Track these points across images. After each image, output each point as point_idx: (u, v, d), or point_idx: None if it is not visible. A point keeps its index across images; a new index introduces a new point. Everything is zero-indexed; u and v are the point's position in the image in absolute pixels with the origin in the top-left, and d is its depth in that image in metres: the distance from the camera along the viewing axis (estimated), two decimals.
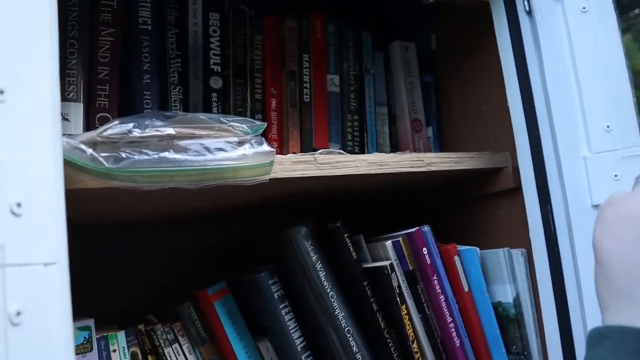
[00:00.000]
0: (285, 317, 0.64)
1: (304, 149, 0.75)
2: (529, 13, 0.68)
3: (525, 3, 0.68)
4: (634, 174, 0.50)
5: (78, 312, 0.38)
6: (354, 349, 0.63)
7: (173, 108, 0.66)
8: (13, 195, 0.33)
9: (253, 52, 0.74)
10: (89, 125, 0.59)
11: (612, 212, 0.44)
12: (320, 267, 0.63)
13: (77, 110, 0.57)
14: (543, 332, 0.68)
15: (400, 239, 0.66)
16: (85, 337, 0.57)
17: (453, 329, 0.67)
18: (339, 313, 0.63)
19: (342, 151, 0.61)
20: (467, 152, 0.70)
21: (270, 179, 0.51)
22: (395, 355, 0.64)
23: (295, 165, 0.55)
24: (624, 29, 0.64)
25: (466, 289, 0.70)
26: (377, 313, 0.65)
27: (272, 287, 0.64)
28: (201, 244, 0.85)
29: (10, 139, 0.34)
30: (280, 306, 0.64)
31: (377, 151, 0.83)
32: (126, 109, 0.62)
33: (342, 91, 0.79)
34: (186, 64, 0.68)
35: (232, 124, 0.49)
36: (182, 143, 0.46)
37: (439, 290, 0.67)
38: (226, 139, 0.48)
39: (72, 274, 0.36)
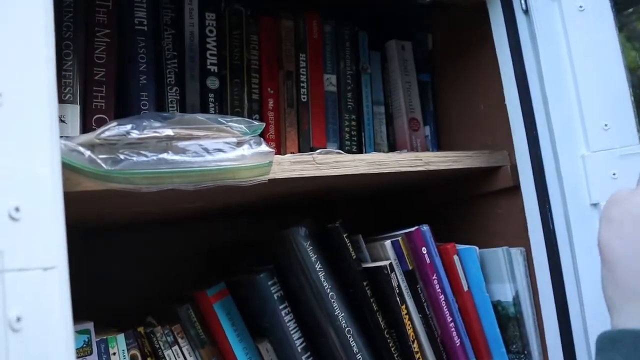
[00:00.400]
0: (284, 317, 0.64)
1: (301, 149, 0.75)
2: (526, 12, 0.68)
3: (522, 2, 0.68)
4: (632, 172, 0.50)
5: (77, 314, 0.38)
6: (354, 349, 0.63)
7: (170, 109, 0.66)
8: (11, 200, 0.33)
9: (250, 52, 0.74)
10: (85, 127, 0.59)
11: (618, 210, 0.43)
12: (319, 268, 0.63)
13: (74, 112, 0.57)
14: (543, 330, 0.68)
15: (399, 238, 0.66)
16: (84, 341, 0.56)
17: (453, 329, 0.67)
18: (338, 313, 0.63)
19: (340, 151, 0.61)
20: (465, 151, 0.70)
21: (269, 179, 0.50)
22: (395, 355, 0.64)
23: (294, 165, 0.55)
24: (618, 28, 0.65)
25: (466, 288, 0.70)
26: (377, 313, 0.65)
27: (272, 288, 0.64)
28: (199, 244, 0.85)
29: (8, 143, 0.34)
30: (280, 307, 0.64)
31: (375, 150, 0.83)
32: (123, 110, 0.62)
33: (339, 91, 0.79)
34: (183, 65, 0.68)
35: (230, 124, 0.49)
36: (181, 144, 0.46)
37: (439, 290, 0.67)
38: (225, 139, 0.48)
39: (69, 276, 0.36)
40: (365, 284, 0.64)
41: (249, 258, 0.76)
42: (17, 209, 0.33)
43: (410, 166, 0.64)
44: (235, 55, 0.72)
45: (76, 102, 0.57)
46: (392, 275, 0.65)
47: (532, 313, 0.70)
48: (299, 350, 0.64)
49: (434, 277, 0.67)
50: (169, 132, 0.45)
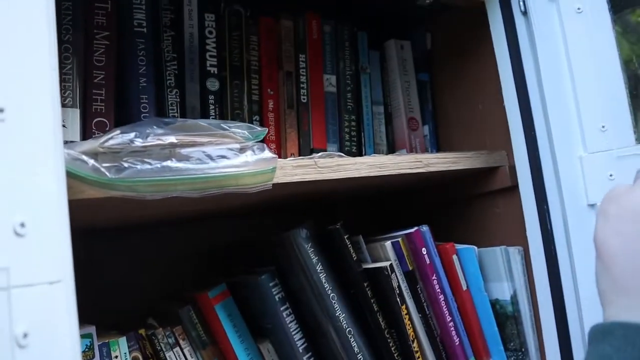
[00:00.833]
0: (286, 318, 0.64)
1: (302, 150, 0.75)
2: (525, 13, 0.68)
3: (521, 3, 0.68)
4: (629, 173, 0.50)
5: (78, 318, 0.37)
6: (355, 349, 0.64)
7: (170, 111, 0.65)
8: (16, 216, 0.33)
9: (249, 53, 0.73)
10: (85, 131, 0.59)
11: (615, 207, 0.43)
12: (320, 269, 0.63)
13: (74, 116, 0.57)
14: (540, 328, 0.69)
15: (399, 239, 0.67)
16: (87, 345, 0.56)
17: (452, 328, 0.68)
18: (339, 314, 0.64)
19: (341, 154, 0.61)
20: (464, 152, 0.70)
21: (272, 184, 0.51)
22: (395, 354, 0.65)
23: (296, 169, 0.55)
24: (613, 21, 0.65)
25: (464, 287, 0.70)
26: (378, 313, 0.65)
27: (273, 289, 0.64)
28: (199, 245, 0.85)
29: (12, 158, 0.33)
30: (281, 308, 0.64)
31: (374, 150, 0.83)
32: (123, 113, 0.62)
33: (339, 91, 0.79)
34: (182, 67, 0.67)
35: (233, 130, 0.49)
36: (184, 151, 0.46)
37: (438, 290, 0.68)
38: (228, 145, 0.48)
39: None
40: (365, 284, 0.65)
41: (249, 259, 0.76)
42: (22, 225, 0.33)
43: (410, 168, 0.64)
44: (235, 56, 0.72)
45: (76, 106, 0.57)
46: (393, 276, 0.65)
47: (529, 311, 0.71)
48: (300, 351, 0.64)
49: (434, 277, 0.68)
50: (172, 139, 0.45)
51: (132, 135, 0.43)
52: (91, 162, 0.42)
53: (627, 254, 0.41)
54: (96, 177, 0.42)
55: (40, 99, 0.35)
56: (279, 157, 0.65)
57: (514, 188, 0.72)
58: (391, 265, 0.66)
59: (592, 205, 0.63)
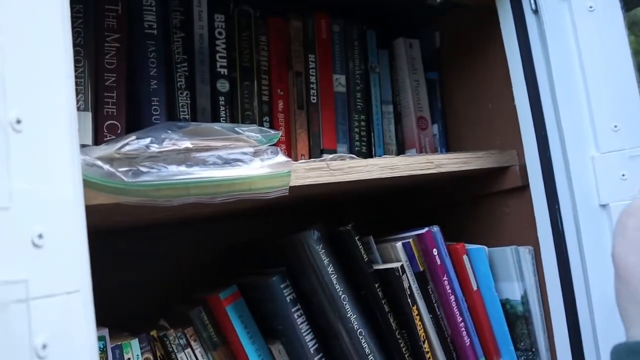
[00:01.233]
0: (297, 320, 0.64)
1: (312, 151, 0.75)
2: (536, 12, 0.68)
3: (532, 2, 0.68)
4: None
5: None
6: (366, 350, 0.64)
7: (181, 113, 0.65)
8: (34, 227, 0.32)
9: (259, 54, 0.73)
10: (97, 134, 0.59)
11: (634, 221, 0.43)
12: (332, 270, 0.63)
13: (86, 120, 0.57)
14: (551, 328, 0.69)
15: (410, 240, 0.67)
16: (100, 347, 0.56)
17: (463, 328, 0.68)
18: (351, 315, 0.64)
19: (353, 155, 0.61)
20: (475, 152, 0.70)
21: None
22: (406, 355, 0.65)
23: (308, 172, 0.55)
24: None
25: (475, 287, 0.70)
26: (389, 314, 0.65)
27: (284, 291, 0.64)
28: (208, 247, 0.85)
29: (29, 169, 0.33)
30: (293, 309, 0.64)
31: (384, 150, 0.83)
32: (134, 116, 0.62)
33: (349, 91, 0.79)
34: (193, 68, 0.67)
35: (246, 133, 0.49)
36: (200, 155, 0.46)
37: (449, 290, 0.68)
38: (242, 149, 0.48)
39: None
40: (376, 285, 0.65)
41: (259, 260, 0.76)
42: (40, 236, 0.33)
43: (422, 169, 0.64)
44: (245, 57, 0.71)
45: (88, 109, 0.57)
46: (404, 276, 0.65)
47: (540, 311, 0.71)
48: (312, 352, 0.64)
49: (445, 277, 0.68)
50: (187, 144, 0.45)
51: (148, 140, 0.43)
52: (106, 167, 0.42)
53: None
54: (111, 182, 0.42)
55: (57, 108, 0.35)
56: (290, 158, 0.65)
57: (524, 188, 0.72)
58: (402, 266, 0.66)
59: (604, 206, 0.63)
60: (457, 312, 0.68)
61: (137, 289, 0.78)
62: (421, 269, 0.67)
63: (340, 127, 0.77)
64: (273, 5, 0.76)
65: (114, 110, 0.60)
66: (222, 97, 0.69)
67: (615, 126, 0.63)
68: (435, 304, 0.68)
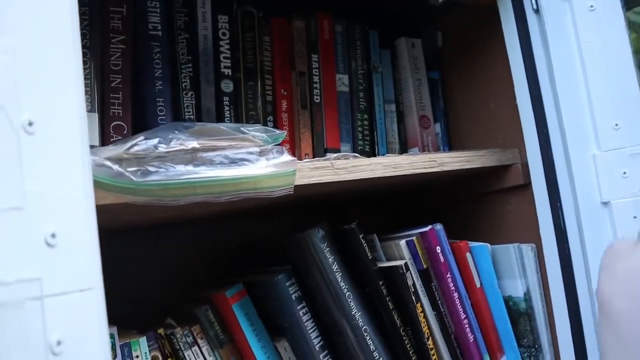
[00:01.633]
0: (302, 317, 0.65)
1: (315, 150, 0.75)
2: (537, 11, 0.69)
3: (533, 1, 0.68)
4: None
5: None
6: (371, 347, 0.65)
7: (186, 114, 0.66)
8: (47, 227, 0.33)
9: (262, 54, 0.74)
10: (103, 135, 0.59)
11: (623, 265, 0.41)
12: (336, 268, 0.64)
13: (93, 121, 0.57)
14: (553, 324, 0.70)
15: (414, 238, 0.68)
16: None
17: (466, 325, 0.69)
18: (355, 312, 0.64)
19: (356, 154, 0.61)
20: (478, 151, 0.70)
21: None
22: (411, 352, 0.66)
23: (313, 171, 0.56)
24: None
25: (478, 284, 0.71)
26: (393, 311, 0.66)
27: (290, 289, 0.65)
28: (213, 245, 0.86)
29: (41, 170, 0.34)
30: (298, 307, 0.65)
31: (387, 149, 0.83)
32: (139, 116, 0.62)
33: (352, 90, 0.79)
34: (197, 69, 0.68)
35: (252, 133, 0.50)
36: (206, 155, 0.46)
37: (453, 288, 0.68)
38: (248, 149, 0.48)
39: None
40: (381, 283, 0.66)
41: (264, 259, 0.77)
42: (53, 235, 0.33)
43: (425, 168, 0.65)
44: (249, 57, 0.72)
45: (95, 111, 0.58)
46: (408, 274, 0.66)
47: (542, 308, 0.72)
48: (317, 349, 0.65)
49: (448, 275, 0.68)
50: (194, 144, 0.45)
51: (156, 141, 0.44)
52: (115, 167, 0.43)
53: (637, 316, 0.40)
54: (120, 182, 0.43)
55: (68, 110, 0.36)
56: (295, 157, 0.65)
57: (526, 186, 0.72)
58: (406, 263, 0.66)
59: (605, 203, 0.64)
60: (461, 309, 0.69)
61: (144, 287, 0.79)
62: (425, 266, 0.68)
63: (344, 126, 0.77)
64: (276, 6, 0.76)
65: (120, 111, 0.60)
66: (227, 98, 0.69)
67: (616, 124, 0.64)
68: (439, 301, 0.68)
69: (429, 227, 0.68)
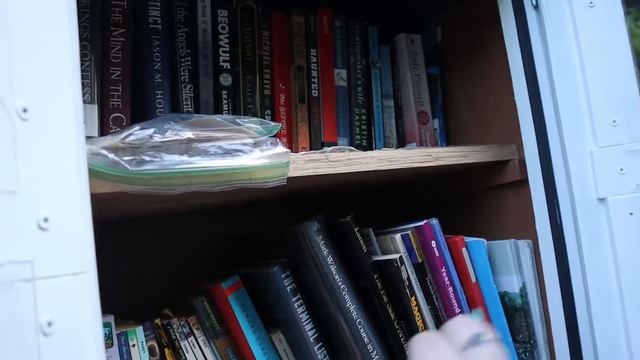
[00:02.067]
0: (297, 309, 0.66)
1: (312, 144, 0.76)
2: (536, 7, 0.69)
3: None
4: None
5: None
6: (365, 339, 0.65)
7: (184, 106, 0.67)
8: (40, 211, 0.34)
9: (261, 48, 0.74)
10: (103, 126, 0.60)
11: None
12: (331, 261, 0.65)
13: (92, 112, 0.58)
14: (549, 320, 0.70)
15: (409, 232, 0.68)
16: (106, 334, 0.58)
17: None
18: (350, 305, 0.65)
19: (352, 148, 0.62)
20: (474, 146, 0.71)
21: None
22: (404, 345, 0.66)
23: (307, 164, 0.56)
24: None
25: (473, 279, 0.71)
26: (387, 304, 0.66)
27: (285, 281, 0.66)
28: (208, 238, 0.86)
29: (35, 156, 0.34)
30: (293, 299, 0.66)
31: (385, 144, 0.84)
32: (138, 108, 0.63)
33: (350, 85, 0.80)
34: (196, 62, 0.69)
35: (247, 125, 0.50)
36: (201, 146, 0.47)
37: (447, 282, 0.69)
38: (242, 140, 0.49)
39: None
40: (375, 276, 0.66)
41: (259, 251, 0.78)
42: (45, 220, 0.34)
43: (421, 162, 0.65)
44: (247, 51, 0.73)
45: (94, 102, 0.58)
46: (402, 268, 0.66)
47: (538, 304, 0.72)
48: (312, 341, 0.66)
49: (443, 269, 0.68)
50: (189, 134, 0.46)
51: (152, 130, 0.44)
52: (111, 155, 0.43)
53: None
54: (115, 170, 0.44)
55: (63, 98, 0.37)
56: (291, 150, 0.66)
57: (523, 182, 0.72)
58: (401, 257, 0.67)
59: (602, 200, 0.64)
60: (456, 303, 0.69)
61: (142, 278, 0.80)
62: (420, 260, 0.68)
63: (341, 120, 0.78)
64: (275, 1, 0.77)
65: (120, 103, 0.61)
66: (225, 91, 0.70)
67: (614, 121, 0.64)
68: (433, 295, 0.69)
69: (424, 221, 0.68)
